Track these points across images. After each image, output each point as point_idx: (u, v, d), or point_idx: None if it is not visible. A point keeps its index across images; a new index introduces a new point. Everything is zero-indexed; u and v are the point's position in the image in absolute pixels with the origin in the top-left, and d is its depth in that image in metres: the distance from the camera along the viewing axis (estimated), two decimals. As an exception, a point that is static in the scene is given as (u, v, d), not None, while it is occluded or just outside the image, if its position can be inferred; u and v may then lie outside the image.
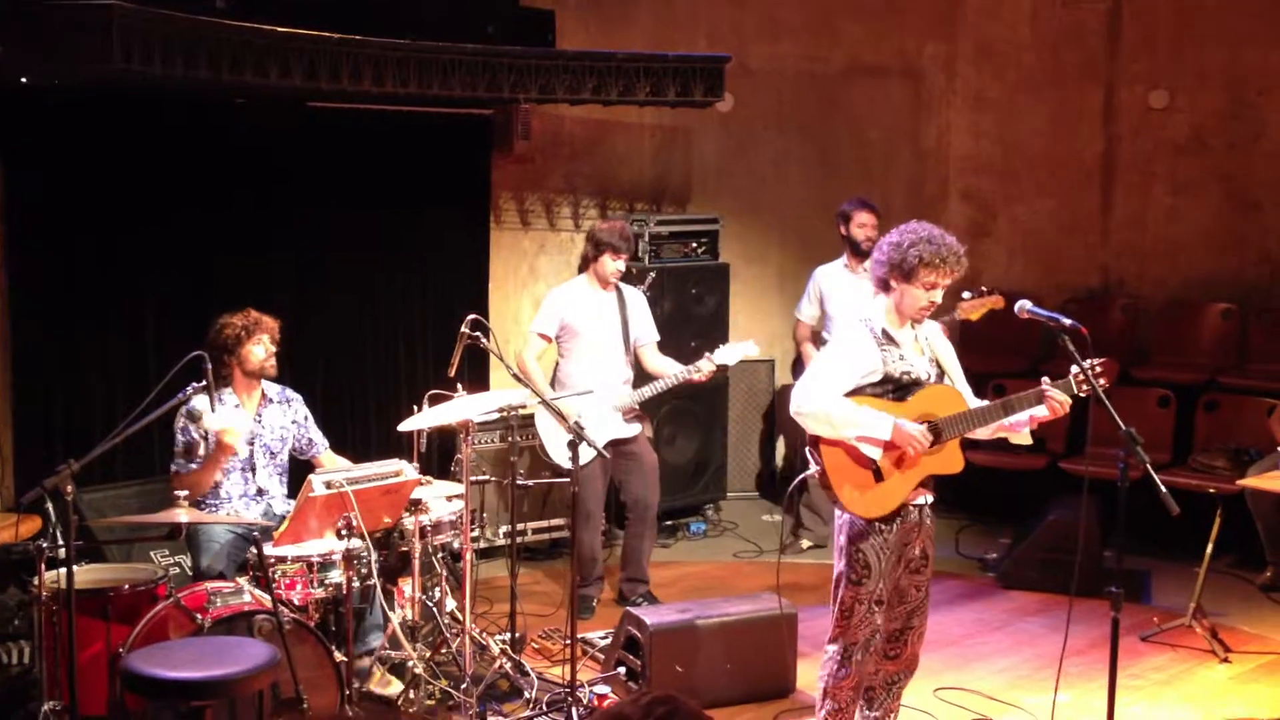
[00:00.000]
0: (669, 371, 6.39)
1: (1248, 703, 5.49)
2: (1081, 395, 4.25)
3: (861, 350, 4.26)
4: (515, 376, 5.42)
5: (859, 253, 7.16)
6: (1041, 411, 4.27)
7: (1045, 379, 4.31)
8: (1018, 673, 5.78)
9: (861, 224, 7.18)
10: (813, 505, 7.54)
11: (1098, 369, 4.23)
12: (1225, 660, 5.87)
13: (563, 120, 8.16)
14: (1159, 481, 3.93)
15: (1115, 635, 4.13)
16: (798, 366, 7.46)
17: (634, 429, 6.44)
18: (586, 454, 5.75)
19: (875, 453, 4.19)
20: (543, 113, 7.87)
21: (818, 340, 7.38)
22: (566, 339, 6.43)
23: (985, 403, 4.37)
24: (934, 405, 4.28)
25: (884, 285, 4.31)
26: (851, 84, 8.84)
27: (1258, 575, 6.89)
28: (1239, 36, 8.23)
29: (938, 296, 4.26)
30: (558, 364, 6.53)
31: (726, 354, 6.29)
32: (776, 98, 8.77)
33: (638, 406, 6.44)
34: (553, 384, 6.48)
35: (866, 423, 4.16)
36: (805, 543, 7.57)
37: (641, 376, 6.50)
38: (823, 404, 4.18)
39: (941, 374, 4.38)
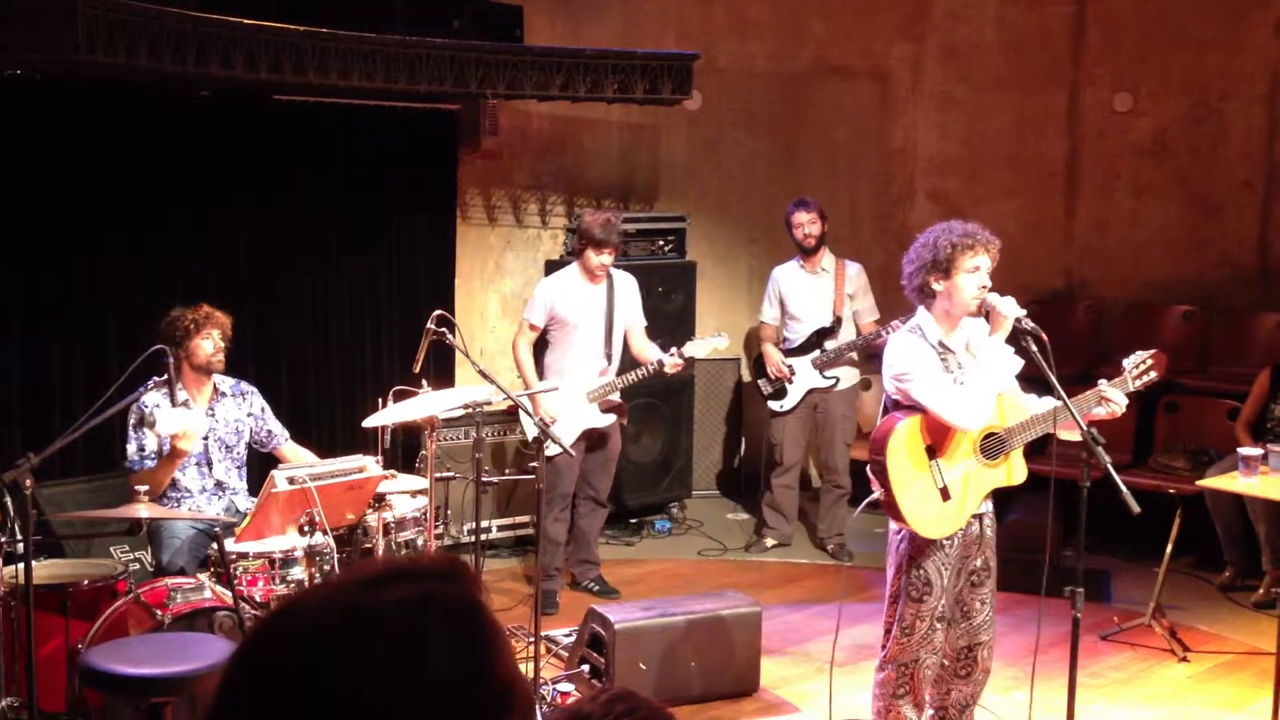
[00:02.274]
0: (646, 357, 6.42)
1: (1206, 702, 5.55)
2: (1136, 390, 4.23)
3: (927, 353, 4.20)
4: (481, 373, 5.40)
5: (806, 251, 7.23)
6: (1100, 412, 4.20)
7: (1102, 381, 4.26)
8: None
9: (799, 223, 7.24)
10: (775, 504, 7.56)
11: (1149, 361, 4.22)
12: (1184, 660, 5.93)
13: (530, 116, 8.15)
14: (1120, 482, 3.96)
15: (1075, 634, 4.16)
16: (759, 366, 7.47)
17: (608, 419, 6.44)
18: (556, 447, 5.81)
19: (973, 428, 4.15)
20: (510, 108, 7.85)
21: (780, 341, 7.39)
22: (555, 329, 6.43)
23: (1042, 407, 4.29)
24: (996, 415, 4.25)
25: (926, 293, 4.22)
26: (819, 83, 8.87)
27: (1217, 575, 6.96)
28: (1202, 41, 8.31)
29: (985, 279, 4.17)
30: (544, 352, 6.51)
31: (695, 348, 6.33)
32: (745, 96, 8.78)
33: (616, 396, 6.44)
34: (537, 372, 6.48)
35: (993, 373, 4.14)
36: (769, 541, 7.58)
37: (627, 362, 6.51)
38: (964, 401, 4.10)
39: None
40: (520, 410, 6.18)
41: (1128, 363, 4.23)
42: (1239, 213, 8.36)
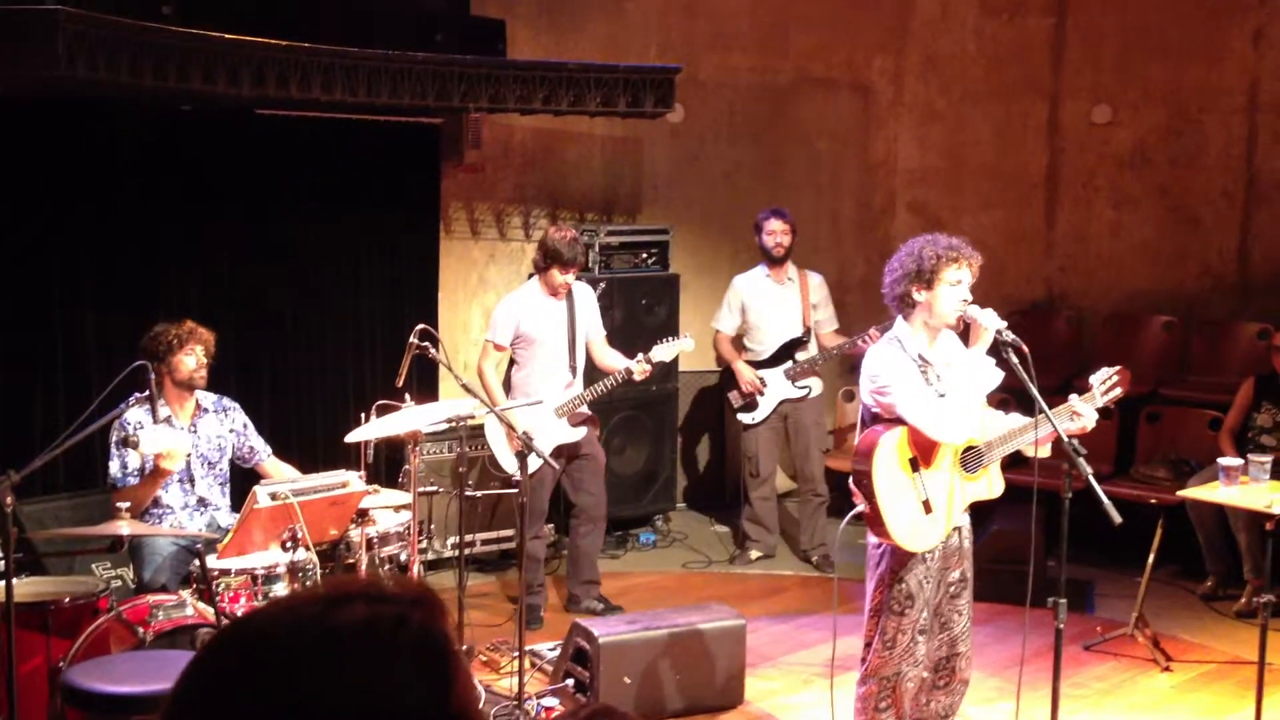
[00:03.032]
0: (610, 365, 6.40)
1: (1189, 711, 5.57)
2: (1104, 405, 4.25)
3: (907, 364, 4.21)
4: (464, 387, 5.40)
5: (774, 260, 7.27)
6: (1071, 427, 4.21)
7: (1072, 395, 4.28)
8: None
9: (771, 231, 7.27)
10: (756, 518, 7.57)
11: (1115, 378, 4.24)
12: (1167, 669, 5.95)
13: (513, 130, 8.16)
14: (1101, 492, 3.97)
15: (1059, 644, 4.18)
16: (728, 379, 7.47)
17: (580, 433, 6.43)
18: (535, 461, 5.81)
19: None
20: (493, 122, 7.86)
21: (740, 350, 7.39)
22: (521, 347, 6.41)
23: (1017, 421, 4.31)
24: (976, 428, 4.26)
25: (906, 303, 4.23)
26: (801, 96, 8.90)
27: (1199, 585, 6.98)
28: (1181, 53, 8.37)
29: (966, 293, 4.19)
30: (509, 371, 6.50)
31: (662, 351, 6.32)
32: (727, 109, 8.81)
33: (585, 409, 6.43)
34: (505, 391, 6.46)
35: (975, 385, 4.15)
36: (754, 553, 7.59)
37: (591, 374, 6.50)
38: (946, 415, 4.12)
39: None
40: (495, 425, 6.21)
41: (1095, 379, 4.26)
42: (1219, 223, 8.41)
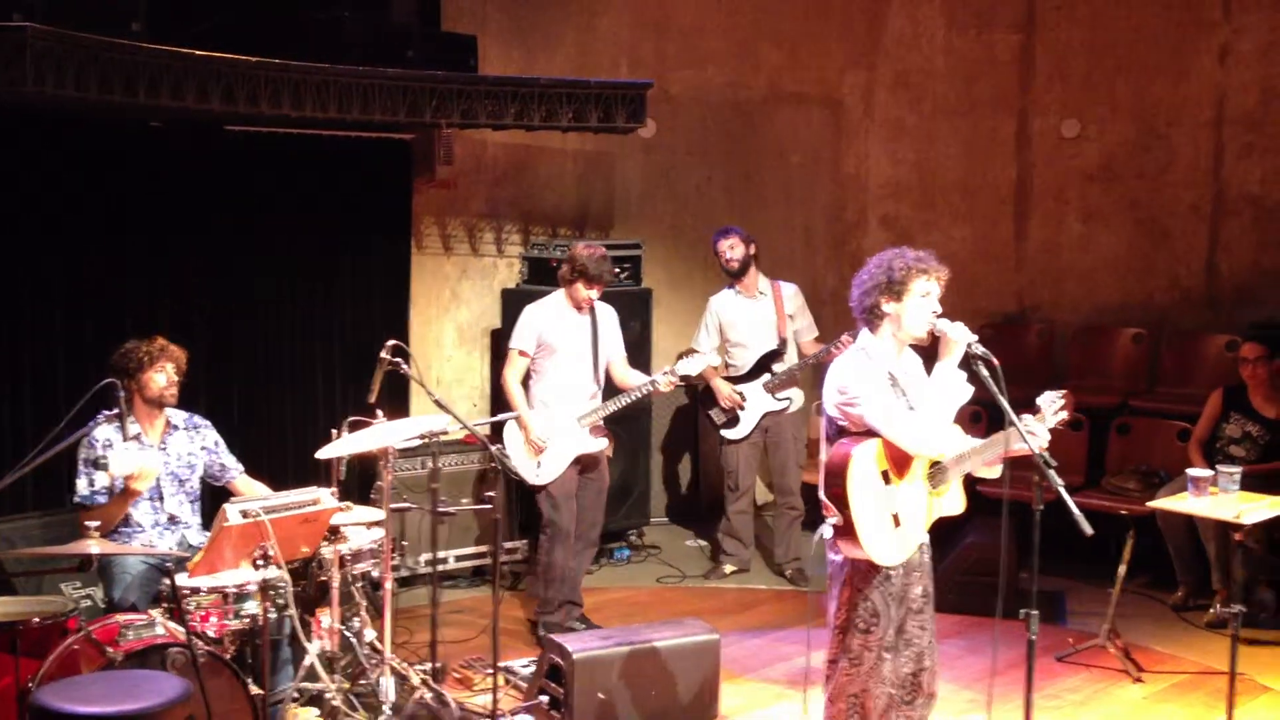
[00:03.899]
0: (632, 384, 6.41)
1: (1160, 721, 5.60)
2: (1052, 427, 4.27)
3: (878, 375, 4.21)
4: (437, 403, 5.39)
5: (734, 275, 7.32)
6: (1024, 447, 4.20)
7: (1026, 415, 4.30)
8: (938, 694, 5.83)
9: (720, 250, 7.33)
10: (733, 531, 7.57)
11: (1061, 401, 4.27)
12: (1138, 680, 5.97)
13: (485, 145, 8.16)
14: (1072, 504, 3.99)
15: (1031, 656, 4.19)
16: (707, 397, 7.46)
17: (601, 443, 6.43)
18: (551, 473, 6.07)
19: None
20: (465, 137, 7.86)
21: (716, 370, 7.39)
22: (542, 356, 6.38)
23: (977, 440, 4.32)
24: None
25: (875, 314, 4.23)
26: (773, 111, 8.94)
27: (1169, 595, 7.03)
28: (1148, 68, 8.45)
29: (936, 305, 4.20)
30: (530, 381, 6.47)
31: (687, 366, 6.33)
32: (699, 124, 8.84)
33: (602, 422, 6.44)
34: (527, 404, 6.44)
35: (946, 399, 4.17)
36: (728, 567, 7.59)
37: (610, 391, 6.51)
38: (915, 424, 4.13)
39: None
40: (515, 432, 6.27)
41: (1043, 401, 4.27)
42: (1186, 237, 8.49)
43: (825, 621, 4.40)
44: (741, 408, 7.31)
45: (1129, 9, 8.48)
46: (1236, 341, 7.39)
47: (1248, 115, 8.30)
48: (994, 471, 4.33)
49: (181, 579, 4.73)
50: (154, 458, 5.24)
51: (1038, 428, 4.20)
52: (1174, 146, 8.47)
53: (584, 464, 6.42)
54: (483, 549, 7.29)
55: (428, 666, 5.47)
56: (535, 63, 8.10)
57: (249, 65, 6.18)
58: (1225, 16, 8.29)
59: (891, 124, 9.03)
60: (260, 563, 4.66)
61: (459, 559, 7.28)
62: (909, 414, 4.15)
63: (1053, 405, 4.26)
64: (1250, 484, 5.63)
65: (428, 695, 5.26)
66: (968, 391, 4.27)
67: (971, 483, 4.41)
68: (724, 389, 7.30)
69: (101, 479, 5.16)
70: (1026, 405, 4.29)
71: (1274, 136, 8.24)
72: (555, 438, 6.28)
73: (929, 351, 4.31)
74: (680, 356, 6.39)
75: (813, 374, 7.42)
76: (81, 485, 5.22)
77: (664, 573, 7.67)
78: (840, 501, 4.15)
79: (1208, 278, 8.46)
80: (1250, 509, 5.11)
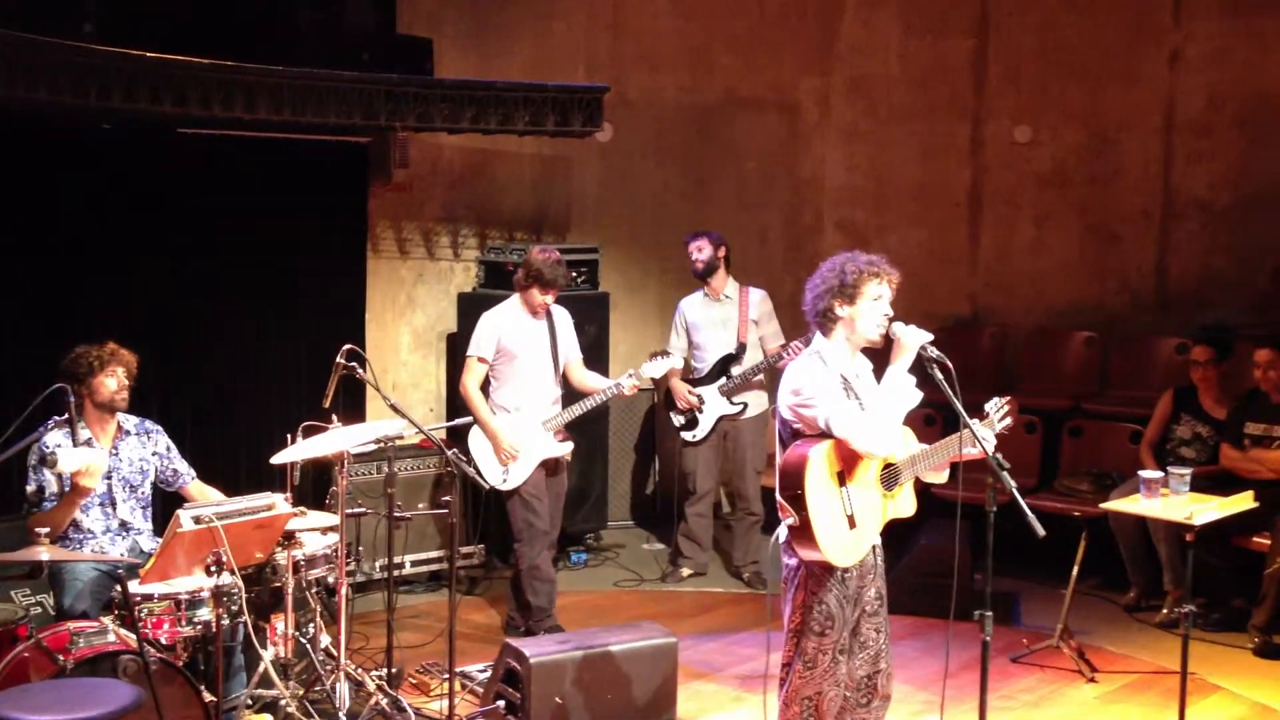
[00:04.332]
0: (597, 387, 6.43)
1: (1113, 721, 5.66)
2: (998, 433, 4.31)
3: (830, 377, 4.22)
4: (393, 407, 5.36)
5: (702, 276, 7.38)
6: (972, 451, 4.24)
7: (974, 421, 4.32)
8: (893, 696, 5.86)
9: (692, 250, 7.39)
10: (691, 534, 7.58)
11: (1006, 407, 4.31)
12: (1092, 680, 6.03)
13: (441, 149, 8.14)
14: (1025, 506, 4.02)
15: (985, 657, 4.21)
16: (668, 400, 7.48)
17: (566, 447, 6.45)
18: (518, 477, 6.09)
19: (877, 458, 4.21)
20: (421, 141, 7.84)
21: (677, 372, 7.40)
22: (501, 362, 6.37)
23: (925, 445, 4.35)
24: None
25: (828, 318, 4.25)
26: (729, 115, 8.97)
27: (1122, 596, 7.10)
28: (1099, 74, 8.56)
29: (888, 308, 4.23)
30: (490, 387, 6.45)
31: (652, 369, 6.42)
32: (655, 128, 8.85)
33: (563, 428, 6.45)
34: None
35: (897, 401, 4.18)
36: (685, 571, 7.60)
37: (568, 393, 6.51)
38: (867, 424, 4.13)
39: None
40: (480, 439, 6.28)
41: (990, 407, 4.32)
42: (1137, 241, 8.59)
43: (781, 624, 4.41)
44: (699, 410, 7.32)
45: (1081, 15, 8.58)
46: (1186, 344, 7.48)
47: (1196, 121, 8.42)
48: (941, 476, 4.36)
49: (133, 586, 4.68)
50: (100, 455, 5.18)
51: (985, 432, 4.24)
52: (1124, 151, 8.58)
53: (548, 467, 6.41)
54: (439, 554, 7.26)
55: (383, 672, 5.45)
56: (492, 66, 8.08)
57: (201, 67, 6.14)
58: (1175, 23, 8.40)
59: (847, 129, 9.09)
60: (213, 569, 4.61)
61: (415, 564, 7.24)
62: (861, 416, 4.17)
63: (999, 411, 4.30)
64: (1201, 485, 5.70)
65: (383, 701, 5.23)
66: (917, 396, 4.30)
67: (925, 485, 4.44)
68: (681, 390, 7.32)
69: (51, 483, 5.10)
70: (980, 409, 4.33)
71: (1222, 142, 8.36)
72: (524, 444, 6.28)
73: (881, 355, 4.34)
74: (653, 357, 6.43)
75: (773, 379, 7.44)
76: (30, 490, 5.16)
77: (621, 576, 7.67)
78: (797, 503, 4.16)
79: (1158, 281, 8.57)
80: (1201, 510, 5.17)
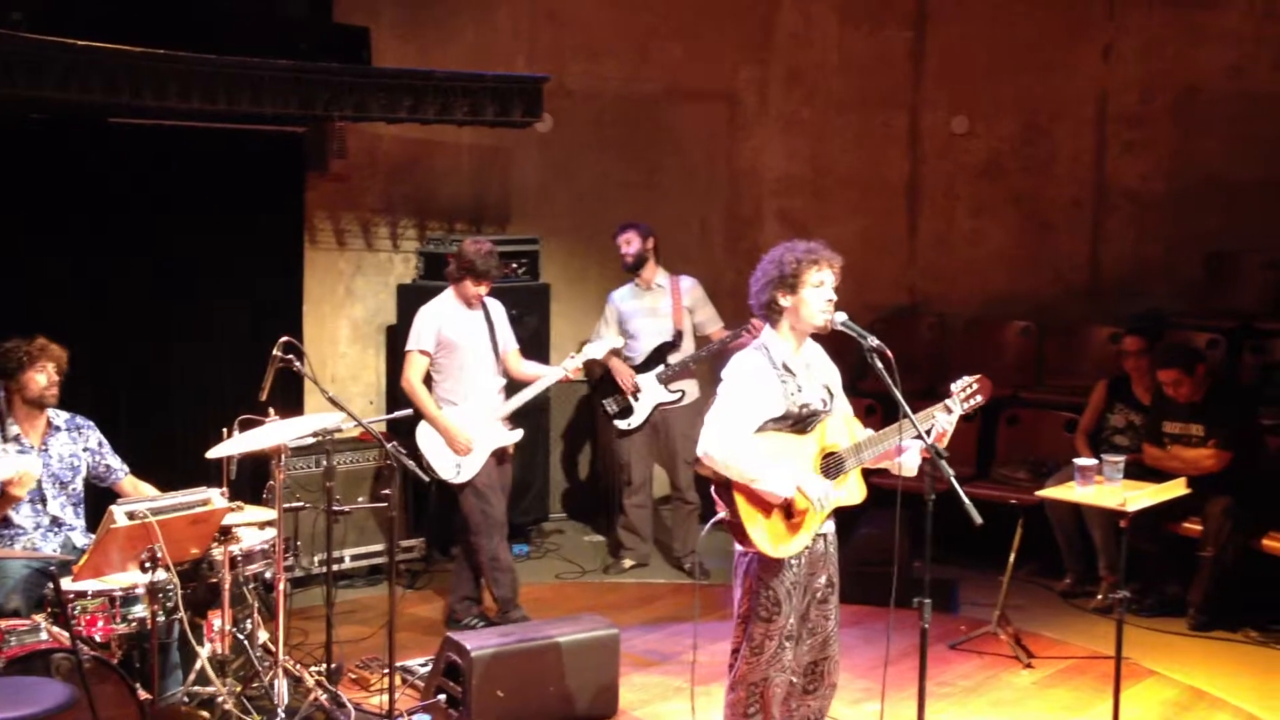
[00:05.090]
0: (542, 373, 6.42)
1: (1050, 706, 5.72)
2: (964, 413, 4.32)
3: (763, 383, 4.21)
4: (331, 400, 5.31)
5: (633, 269, 7.41)
6: (935, 429, 4.26)
7: (941, 403, 4.33)
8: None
9: (619, 244, 7.41)
10: (630, 525, 7.59)
11: (975, 386, 4.32)
12: (1029, 666, 6.11)
13: (380, 139, 8.07)
14: (963, 494, 4.05)
15: (924, 644, 4.24)
16: (603, 386, 7.46)
17: (516, 434, 6.44)
18: (470, 469, 6.08)
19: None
20: (359, 131, 7.76)
21: (618, 354, 7.40)
22: (443, 355, 6.33)
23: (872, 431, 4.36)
24: (834, 436, 4.29)
25: (774, 310, 4.27)
26: (669, 106, 8.97)
27: (1058, 582, 7.19)
28: (1034, 66, 8.65)
29: (831, 294, 4.23)
30: (433, 381, 6.41)
31: (592, 349, 6.46)
32: (596, 118, 8.83)
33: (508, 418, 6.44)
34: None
35: (769, 480, 4.13)
36: (627, 562, 7.61)
37: (510, 385, 6.49)
38: (730, 453, 4.12)
39: (831, 396, 4.37)
40: (430, 432, 6.25)
41: (955, 386, 4.34)
42: (1070, 231, 8.70)
43: (728, 613, 4.43)
44: (637, 394, 7.33)
45: (1016, 7, 8.67)
46: (1119, 333, 7.58)
47: (1128, 112, 8.53)
48: (910, 468, 4.35)
49: (66, 583, 4.61)
50: (34, 462, 5.09)
51: (941, 416, 4.26)
52: (1058, 143, 8.69)
53: (497, 456, 6.40)
54: (379, 547, 7.22)
55: (323, 667, 5.41)
56: (430, 55, 8.01)
57: (134, 56, 6.05)
58: (1109, 15, 8.51)
59: (786, 119, 9.12)
60: (148, 565, 4.55)
61: (355, 558, 7.20)
62: (732, 423, 4.15)
63: (963, 391, 4.32)
64: (1135, 472, 5.79)
65: (323, 697, 5.19)
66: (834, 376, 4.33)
67: (866, 474, 4.46)
68: (624, 370, 7.32)
69: None
70: (920, 397, 4.35)
71: (1153, 133, 8.49)
72: (476, 435, 6.25)
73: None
74: (589, 340, 6.47)
75: (709, 368, 7.45)
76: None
77: (563, 568, 7.66)
78: (727, 496, 4.18)
79: (1091, 270, 8.69)
80: (1135, 497, 5.25)
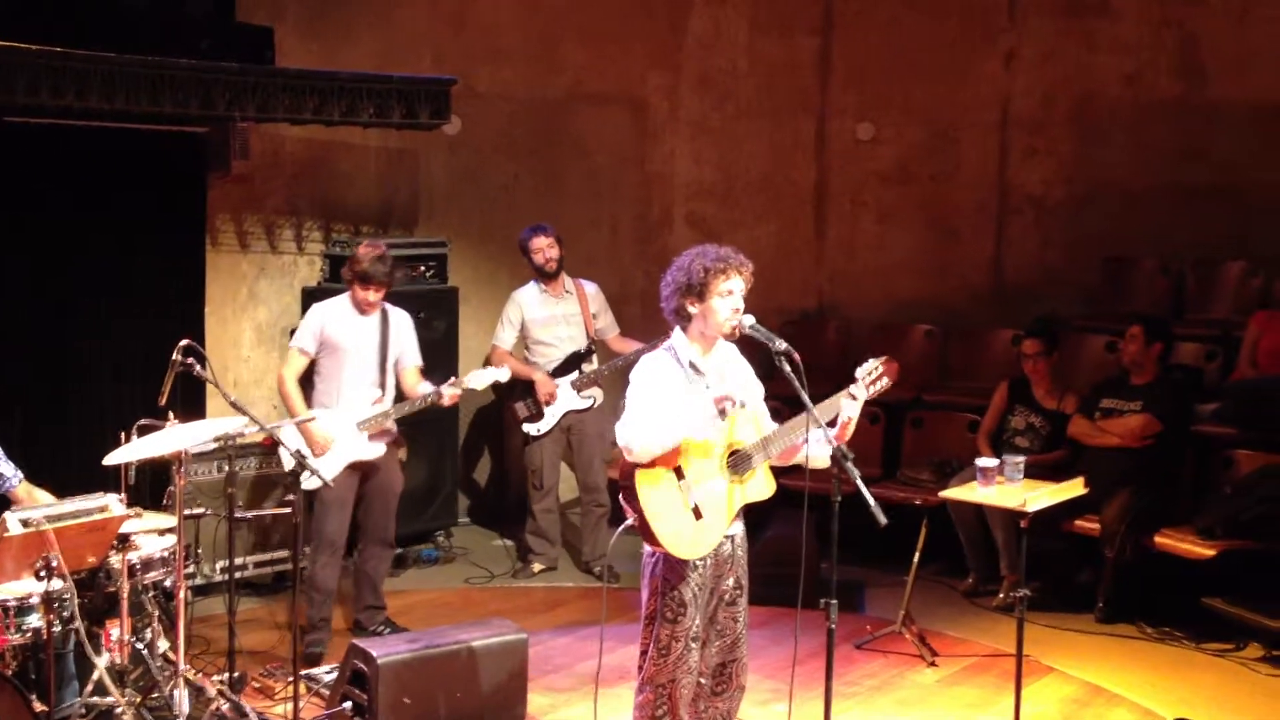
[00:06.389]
0: (417, 393, 6.29)
1: (954, 703, 5.81)
2: (871, 397, 4.35)
3: (670, 381, 4.24)
4: (234, 404, 5.22)
5: (546, 275, 7.32)
6: (841, 417, 4.31)
7: (848, 389, 4.36)
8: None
9: (538, 248, 7.31)
10: (539, 530, 7.57)
11: (880, 369, 4.36)
12: (933, 664, 6.19)
13: (284, 140, 7.95)
14: (868, 495, 4.10)
15: (831, 644, 4.29)
16: (512, 390, 7.40)
17: (378, 450, 6.27)
18: (321, 477, 5.67)
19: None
20: (262, 132, 7.65)
21: (528, 362, 7.36)
22: (325, 355, 6.23)
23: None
24: (740, 433, 4.31)
25: (682, 315, 4.30)
26: (578, 110, 8.96)
27: (961, 582, 7.30)
28: (938, 73, 8.79)
29: (739, 302, 4.26)
30: (312, 381, 6.30)
31: (475, 379, 6.28)
32: (505, 121, 8.79)
33: (393, 428, 6.29)
34: (306, 403, 6.25)
35: (686, 426, 4.16)
36: (536, 566, 7.58)
37: (399, 399, 6.38)
38: (646, 435, 4.13)
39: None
40: (297, 437, 6.06)
41: (860, 371, 4.38)
42: (975, 236, 8.85)
43: (636, 616, 4.43)
44: (550, 403, 7.31)
45: (921, 14, 8.80)
46: (1020, 336, 7.72)
47: (1029, 119, 8.71)
48: (821, 460, 4.36)
49: (-44, 594, 4.48)
50: None
51: (845, 401, 4.31)
52: (962, 149, 8.83)
53: (365, 471, 6.27)
54: (283, 554, 7.11)
55: (226, 677, 5.31)
56: (336, 56, 7.91)
57: (30, 54, 5.90)
58: (1011, 22, 8.67)
59: (696, 124, 9.16)
60: (43, 574, 4.45)
61: (258, 565, 7.09)
62: (649, 418, 4.17)
63: (868, 375, 4.36)
64: (1034, 473, 5.90)
65: (224, 706, 5.10)
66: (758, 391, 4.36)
67: (777, 474, 4.49)
68: (546, 384, 7.26)
69: None
70: (826, 399, 4.38)
71: (1054, 139, 8.67)
72: (337, 443, 6.14)
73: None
74: (487, 363, 6.34)
75: (623, 373, 7.46)
76: None
77: (472, 573, 7.61)
78: (632, 499, 4.19)
79: (994, 275, 8.84)
80: (1034, 497, 5.34)
